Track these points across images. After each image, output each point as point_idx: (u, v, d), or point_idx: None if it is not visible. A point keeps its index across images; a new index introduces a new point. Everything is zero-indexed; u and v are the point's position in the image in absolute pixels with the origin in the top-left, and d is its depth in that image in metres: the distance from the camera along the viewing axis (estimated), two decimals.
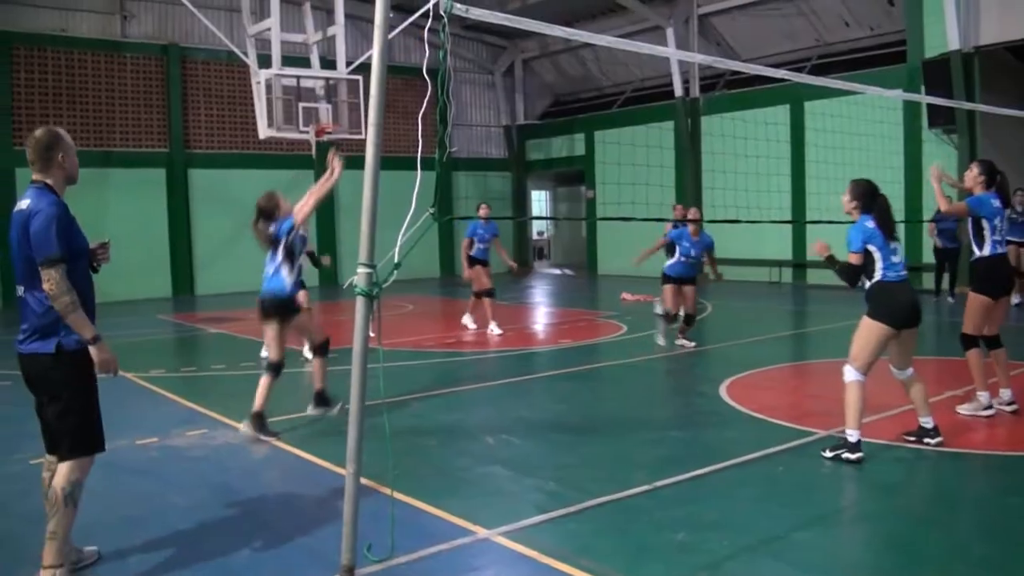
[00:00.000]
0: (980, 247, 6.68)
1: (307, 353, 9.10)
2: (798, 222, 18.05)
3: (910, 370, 5.87)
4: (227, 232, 19.77)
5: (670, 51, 17.05)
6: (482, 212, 12.17)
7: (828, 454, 5.63)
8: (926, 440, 5.86)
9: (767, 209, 13.68)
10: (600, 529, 4.51)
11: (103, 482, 5.17)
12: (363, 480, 4.06)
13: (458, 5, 3.70)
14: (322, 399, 7.03)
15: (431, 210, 3.69)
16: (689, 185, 20.88)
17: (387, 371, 8.79)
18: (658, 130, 20.43)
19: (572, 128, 25.04)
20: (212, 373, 9.75)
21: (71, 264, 3.84)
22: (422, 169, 3.78)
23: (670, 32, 20.50)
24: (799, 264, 19.17)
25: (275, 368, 6.61)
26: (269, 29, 16.41)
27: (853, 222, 5.74)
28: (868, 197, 5.71)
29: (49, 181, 3.97)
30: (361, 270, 3.68)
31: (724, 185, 14.19)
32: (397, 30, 17.51)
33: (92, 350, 3.86)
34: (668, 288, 10.28)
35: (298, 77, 16.51)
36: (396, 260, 3.72)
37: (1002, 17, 15.45)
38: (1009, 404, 6.76)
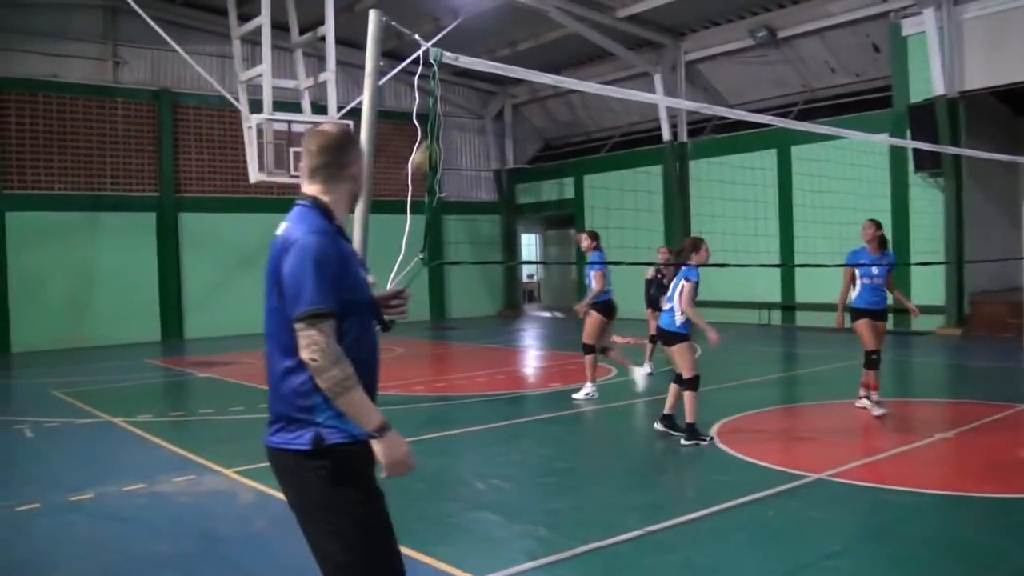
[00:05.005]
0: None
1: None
2: (786, 265, 18.17)
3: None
4: (217, 276, 19.82)
5: (657, 97, 17.24)
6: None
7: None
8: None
9: (755, 252, 13.80)
10: None
11: (87, 529, 5.10)
12: None
13: (447, 54, 3.75)
14: (692, 431, 7.48)
15: (421, 255, 3.71)
16: (677, 229, 21.02)
17: None
18: (646, 174, 20.61)
19: (562, 172, 25.24)
20: (200, 418, 9.66)
21: (345, 321, 2.65)
22: (411, 213, 3.81)
23: (657, 78, 20.76)
24: (788, 306, 19.24)
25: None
26: (260, 75, 16.60)
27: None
28: None
29: (326, 198, 2.83)
30: None
31: (712, 229, 14.28)
32: (387, 76, 17.72)
33: (376, 446, 2.60)
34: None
35: (289, 122, 16.57)
36: None
37: (987, 63, 15.67)
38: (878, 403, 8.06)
